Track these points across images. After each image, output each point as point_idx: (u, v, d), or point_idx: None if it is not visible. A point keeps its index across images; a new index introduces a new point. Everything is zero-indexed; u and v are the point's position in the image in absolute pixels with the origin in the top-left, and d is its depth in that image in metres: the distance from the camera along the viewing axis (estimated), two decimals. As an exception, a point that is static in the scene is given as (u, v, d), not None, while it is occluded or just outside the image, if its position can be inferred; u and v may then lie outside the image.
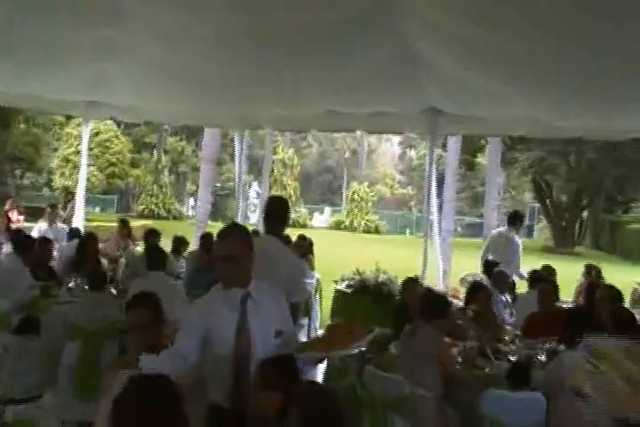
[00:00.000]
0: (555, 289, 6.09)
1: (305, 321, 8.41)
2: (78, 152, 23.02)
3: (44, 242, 6.69)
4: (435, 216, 8.92)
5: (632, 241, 28.24)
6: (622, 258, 26.67)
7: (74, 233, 8.54)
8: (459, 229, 41.46)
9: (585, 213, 33.02)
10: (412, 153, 53.96)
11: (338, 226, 37.58)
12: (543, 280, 6.50)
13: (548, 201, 32.17)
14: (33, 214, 15.04)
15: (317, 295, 9.15)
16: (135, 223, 20.76)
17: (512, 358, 4.91)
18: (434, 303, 4.71)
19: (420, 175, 40.87)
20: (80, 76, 7.71)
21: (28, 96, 8.43)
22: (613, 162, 27.07)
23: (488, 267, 7.74)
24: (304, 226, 34.52)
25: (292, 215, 36.84)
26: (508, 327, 5.96)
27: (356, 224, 37.06)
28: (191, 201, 40.52)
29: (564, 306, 6.44)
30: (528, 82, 6.48)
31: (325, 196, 54.37)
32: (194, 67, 7.04)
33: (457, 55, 6.19)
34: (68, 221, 15.73)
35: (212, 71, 7.07)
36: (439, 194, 13.33)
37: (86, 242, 7.21)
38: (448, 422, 4.15)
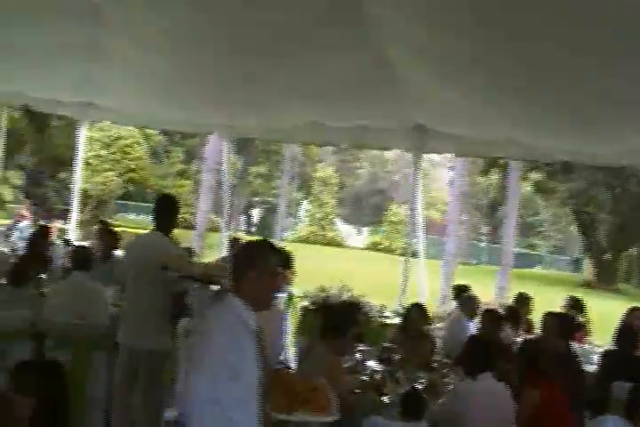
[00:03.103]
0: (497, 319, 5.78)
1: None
2: (98, 155, 23.21)
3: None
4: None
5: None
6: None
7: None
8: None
9: (632, 249, 31.58)
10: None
11: (374, 247, 37.04)
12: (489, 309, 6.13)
13: (590, 234, 30.93)
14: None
15: (288, 311, 8.80)
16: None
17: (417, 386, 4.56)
18: (331, 322, 4.49)
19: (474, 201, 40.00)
20: (68, 76, 7.75)
21: (13, 93, 8.50)
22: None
23: (458, 291, 7.31)
24: (340, 245, 34.14)
25: (330, 234, 36.78)
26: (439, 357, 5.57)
27: (393, 246, 36.28)
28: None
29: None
30: (508, 101, 6.16)
31: (376, 217, 54.10)
32: (175, 69, 6.97)
33: (433, 70, 5.95)
34: (85, 224, 15.91)
35: (193, 75, 6.98)
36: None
37: (34, 240, 7.10)
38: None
